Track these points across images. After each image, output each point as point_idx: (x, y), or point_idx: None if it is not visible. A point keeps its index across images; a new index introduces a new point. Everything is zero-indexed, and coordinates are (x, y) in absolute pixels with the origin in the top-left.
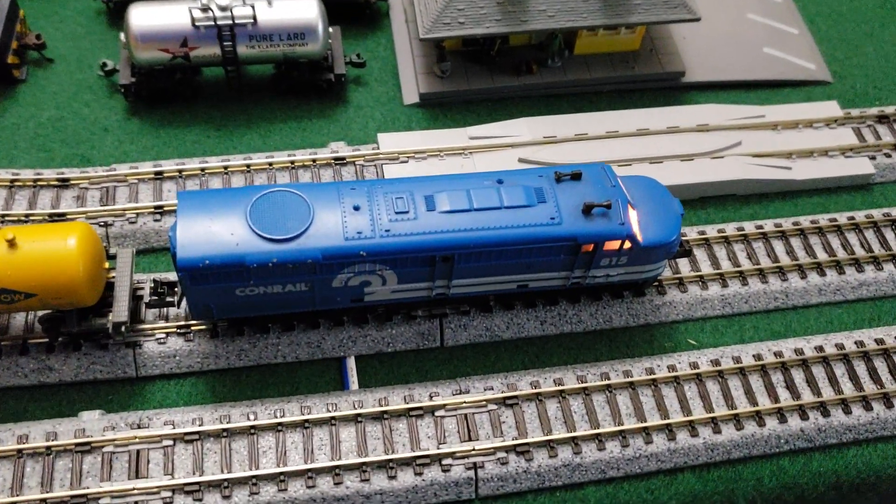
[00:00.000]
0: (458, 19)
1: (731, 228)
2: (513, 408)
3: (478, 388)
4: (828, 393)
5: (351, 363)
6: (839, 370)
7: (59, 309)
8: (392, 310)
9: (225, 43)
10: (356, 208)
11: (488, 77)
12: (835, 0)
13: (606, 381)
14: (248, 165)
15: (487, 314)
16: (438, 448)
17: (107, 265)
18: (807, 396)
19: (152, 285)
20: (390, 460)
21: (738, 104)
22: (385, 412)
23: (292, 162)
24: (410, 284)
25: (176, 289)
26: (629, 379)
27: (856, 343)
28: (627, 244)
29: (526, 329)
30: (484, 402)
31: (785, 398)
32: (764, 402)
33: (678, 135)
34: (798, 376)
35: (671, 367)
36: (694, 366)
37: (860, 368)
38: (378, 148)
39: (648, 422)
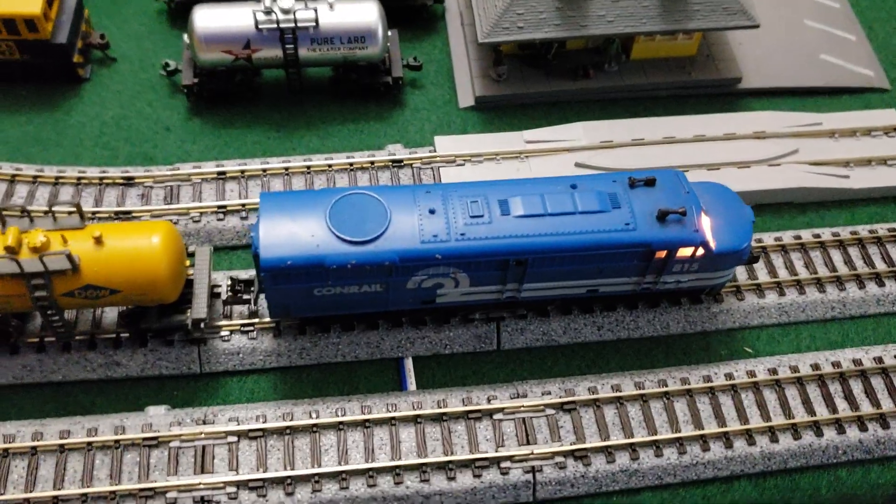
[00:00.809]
0: (518, 24)
1: (788, 237)
2: (570, 413)
3: (535, 392)
4: (887, 404)
5: (409, 364)
6: None
7: (141, 305)
8: (450, 312)
9: (287, 45)
10: (432, 212)
11: (545, 81)
12: (893, 5)
13: (664, 388)
14: (308, 167)
15: (544, 318)
16: (497, 451)
17: (187, 263)
18: (865, 407)
19: (229, 283)
20: (449, 462)
21: (795, 111)
22: (444, 414)
23: (351, 164)
24: (482, 287)
25: (252, 287)
26: (686, 386)
27: None
28: (700, 251)
29: (583, 334)
30: (542, 407)
31: (843, 409)
32: (822, 412)
33: (735, 142)
34: (856, 387)
35: (728, 375)
36: (751, 374)
37: None
38: (435, 150)
39: (706, 429)
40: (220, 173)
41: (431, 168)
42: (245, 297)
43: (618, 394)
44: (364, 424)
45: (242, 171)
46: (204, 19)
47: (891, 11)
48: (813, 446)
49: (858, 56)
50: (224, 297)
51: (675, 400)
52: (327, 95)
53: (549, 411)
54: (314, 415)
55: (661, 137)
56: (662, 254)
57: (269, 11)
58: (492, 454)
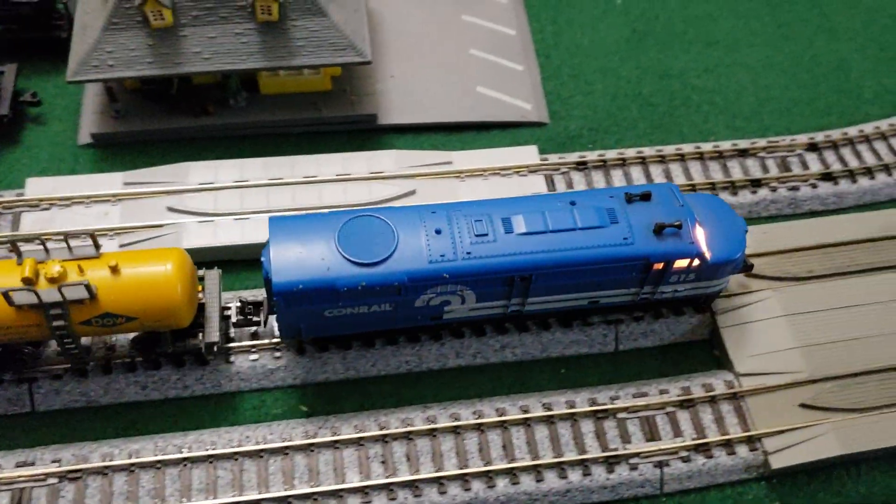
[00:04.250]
0: (108, 62)
1: None
2: (75, 482)
3: (44, 459)
4: (450, 465)
5: None
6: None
7: (155, 331)
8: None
9: None
10: (438, 232)
11: (167, 117)
12: (577, 32)
13: (182, 455)
14: None
15: (82, 378)
16: None
17: (199, 288)
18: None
19: (239, 305)
20: None
21: (437, 149)
22: None
23: None
24: (488, 303)
25: (261, 308)
26: (182, 455)
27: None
28: (696, 262)
29: (126, 394)
30: (44, 476)
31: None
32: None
33: (347, 183)
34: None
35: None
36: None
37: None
38: (24, 193)
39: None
40: None
41: (12, 213)
42: (255, 319)
43: (133, 460)
44: None
45: None
46: None
47: (573, 38)
48: None
49: (520, 88)
50: (234, 319)
51: (193, 467)
52: None
53: (52, 481)
54: None
55: (268, 179)
56: (660, 265)
57: None
58: None
